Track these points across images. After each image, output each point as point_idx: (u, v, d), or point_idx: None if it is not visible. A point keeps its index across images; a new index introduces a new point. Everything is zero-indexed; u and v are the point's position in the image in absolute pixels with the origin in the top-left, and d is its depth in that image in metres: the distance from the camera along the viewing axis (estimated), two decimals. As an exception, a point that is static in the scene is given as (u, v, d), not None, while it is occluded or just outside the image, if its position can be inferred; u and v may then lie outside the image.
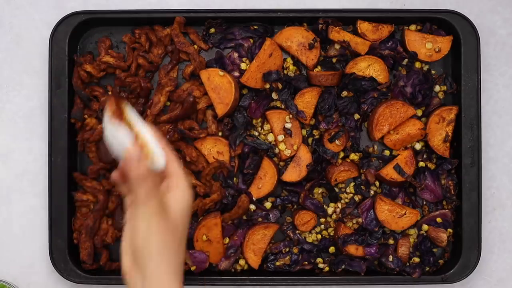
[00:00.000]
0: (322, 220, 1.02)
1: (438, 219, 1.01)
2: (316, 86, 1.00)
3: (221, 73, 0.99)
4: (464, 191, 1.00)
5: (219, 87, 0.99)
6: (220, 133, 1.01)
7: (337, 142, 1.00)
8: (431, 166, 1.01)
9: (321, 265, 1.01)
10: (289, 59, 1.01)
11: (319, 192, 1.02)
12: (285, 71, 1.01)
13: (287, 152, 1.00)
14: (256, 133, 1.02)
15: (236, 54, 1.02)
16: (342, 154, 1.01)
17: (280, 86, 0.99)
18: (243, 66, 1.01)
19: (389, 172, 1.00)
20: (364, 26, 1.01)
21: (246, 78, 0.99)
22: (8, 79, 1.04)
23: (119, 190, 0.75)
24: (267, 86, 1.00)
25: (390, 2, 1.04)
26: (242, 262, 1.01)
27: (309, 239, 1.02)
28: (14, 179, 1.04)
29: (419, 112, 1.01)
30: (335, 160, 1.00)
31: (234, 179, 1.01)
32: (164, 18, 1.01)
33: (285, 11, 1.01)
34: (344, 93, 1.00)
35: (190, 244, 1.01)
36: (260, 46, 1.00)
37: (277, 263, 1.01)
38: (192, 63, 1.01)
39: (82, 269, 1.01)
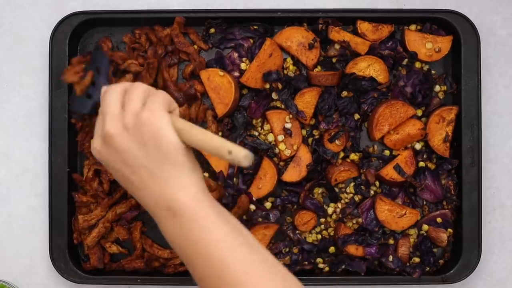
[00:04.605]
0: (322, 220, 1.02)
1: (438, 219, 1.01)
2: (316, 86, 1.00)
3: (221, 73, 0.99)
4: (464, 191, 1.00)
5: (219, 87, 0.99)
6: (220, 133, 1.01)
7: (337, 142, 1.00)
8: (431, 166, 1.01)
9: (321, 265, 1.01)
10: (289, 59, 1.01)
11: (319, 192, 1.02)
12: (285, 71, 1.01)
13: (287, 152, 1.00)
14: (256, 133, 1.02)
15: (236, 54, 1.02)
16: (342, 154, 1.01)
17: (280, 86, 0.99)
18: (243, 66, 1.01)
19: (389, 172, 1.00)
20: (364, 26, 1.01)
21: (246, 78, 0.99)
22: (8, 79, 1.04)
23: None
24: (267, 86, 1.00)
25: (390, 2, 1.04)
26: (242, 262, 1.01)
27: (309, 239, 1.02)
28: (14, 179, 1.04)
29: (419, 112, 1.01)
30: (335, 160, 1.00)
31: (234, 179, 1.01)
32: (164, 18, 1.01)
33: (285, 11, 1.01)
34: (344, 93, 1.00)
35: (190, 244, 1.01)
36: (260, 46, 1.00)
37: (277, 263, 1.01)
38: (192, 63, 1.01)
39: (82, 269, 1.01)
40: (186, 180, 0.73)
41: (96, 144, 0.77)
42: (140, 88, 0.77)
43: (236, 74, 1.01)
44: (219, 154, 0.73)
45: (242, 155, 0.71)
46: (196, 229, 0.71)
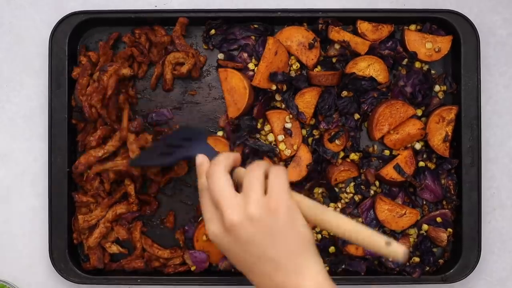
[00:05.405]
0: (322, 220, 1.02)
1: (438, 219, 1.01)
2: (316, 86, 1.00)
3: (240, 77, 0.99)
4: (464, 191, 1.00)
5: (234, 90, 0.99)
6: (221, 133, 1.01)
7: (337, 142, 1.00)
8: (431, 166, 1.01)
9: (321, 265, 1.01)
10: (293, 57, 1.01)
11: (319, 192, 1.02)
12: (293, 67, 1.01)
13: (287, 152, 1.00)
14: (257, 134, 1.01)
15: (245, 55, 1.01)
16: (342, 154, 1.01)
17: (285, 87, 0.99)
18: (250, 66, 1.01)
19: (389, 172, 1.00)
20: (364, 26, 1.01)
21: (258, 80, 0.99)
22: (8, 79, 1.04)
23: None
24: (274, 87, 1.00)
25: (390, 2, 1.04)
26: (242, 262, 1.01)
27: (309, 239, 1.01)
28: (14, 179, 1.04)
29: (419, 112, 1.01)
30: (335, 160, 1.00)
31: (234, 179, 1.01)
32: (164, 18, 1.01)
33: (285, 11, 1.01)
34: (344, 93, 1.00)
35: (190, 244, 1.01)
36: (263, 44, 1.00)
37: (277, 263, 1.01)
38: (190, 61, 1.00)
39: (82, 269, 1.01)
40: (312, 269, 0.71)
41: (216, 230, 0.73)
42: (258, 172, 0.72)
43: (251, 73, 1.00)
44: (381, 251, 0.70)
45: (401, 252, 0.68)
46: None
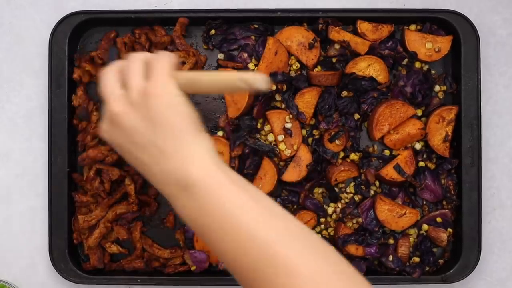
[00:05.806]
0: (322, 220, 1.02)
1: (438, 219, 1.01)
2: (316, 86, 1.00)
3: None
4: (464, 191, 1.00)
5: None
6: (221, 133, 1.01)
7: (337, 142, 1.00)
8: (431, 166, 1.01)
9: (321, 265, 1.01)
10: (293, 57, 1.01)
11: (319, 192, 1.02)
12: (294, 67, 1.01)
13: (287, 152, 1.00)
14: (257, 134, 1.02)
15: (245, 55, 1.01)
16: (342, 154, 1.01)
17: (285, 87, 0.99)
18: (250, 66, 1.01)
19: (389, 172, 1.00)
20: (364, 26, 1.01)
21: None
22: (8, 79, 1.04)
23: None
24: (274, 87, 1.00)
25: (390, 2, 1.04)
26: (242, 262, 1.01)
27: (309, 239, 1.02)
28: (14, 179, 1.04)
29: (419, 112, 1.01)
30: (335, 160, 1.00)
31: (234, 179, 1.01)
32: (164, 18, 1.01)
33: (285, 11, 1.01)
34: (344, 93, 1.00)
35: (190, 244, 1.01)
36: (263, 44, 1.00)
37: (277, 263, 1.01)
38: (190, 61, 1.00)
39: (82, 269, 1.01)
40: (195, 149, 0.69)
41: (104, 125, 0.74)
42: (137, 61, 0.73)
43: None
44: (236, 87, 0.70)
45: (259, 80, 0.69)
46: (211, 200, 0.66)
